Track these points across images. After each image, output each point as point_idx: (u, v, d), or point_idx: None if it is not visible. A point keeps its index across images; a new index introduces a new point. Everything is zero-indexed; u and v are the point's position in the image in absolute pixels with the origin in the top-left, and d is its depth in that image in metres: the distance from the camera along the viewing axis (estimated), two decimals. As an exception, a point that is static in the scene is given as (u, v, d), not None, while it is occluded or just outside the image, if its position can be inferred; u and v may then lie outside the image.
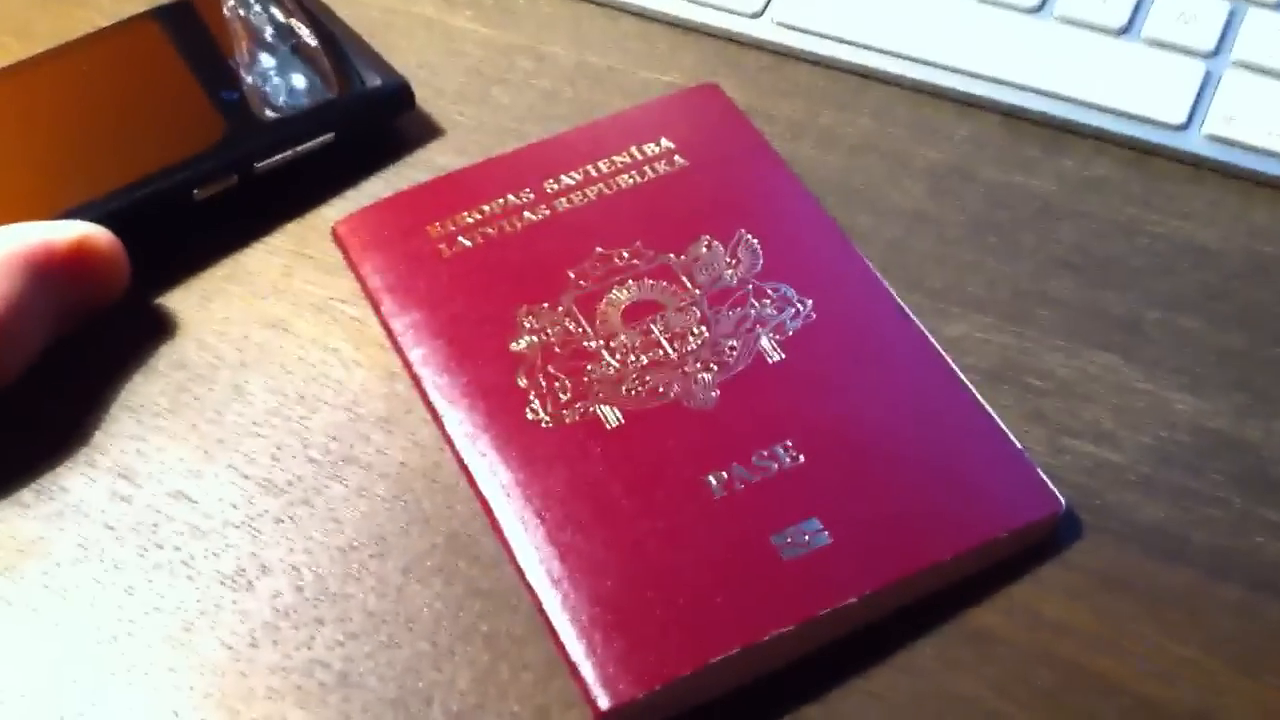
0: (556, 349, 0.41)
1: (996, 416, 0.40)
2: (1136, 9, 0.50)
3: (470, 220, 0.44)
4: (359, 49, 0.49)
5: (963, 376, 0.41)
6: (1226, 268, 0.45)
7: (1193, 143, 0.47)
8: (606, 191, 0.45)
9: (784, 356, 0.40)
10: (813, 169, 0.47)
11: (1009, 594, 0.38)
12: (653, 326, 0.41)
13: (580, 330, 0.41)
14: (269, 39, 0.49)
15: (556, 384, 0.40)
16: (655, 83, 0.50)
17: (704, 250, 0.43)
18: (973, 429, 0.39)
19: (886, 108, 0.49)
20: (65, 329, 0.42)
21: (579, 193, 0.45)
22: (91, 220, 0.42)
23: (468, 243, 0.43)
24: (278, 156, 0.46)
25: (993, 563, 0.38)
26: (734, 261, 0.43)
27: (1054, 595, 0.37)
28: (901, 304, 0.42)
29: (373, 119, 0.48)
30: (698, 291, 0.42)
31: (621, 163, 0.45)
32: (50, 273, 0.40)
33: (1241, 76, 0.48)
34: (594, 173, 0.45)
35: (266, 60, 0.48)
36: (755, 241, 0.43)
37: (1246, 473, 0.40)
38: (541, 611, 0.36)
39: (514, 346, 0.41)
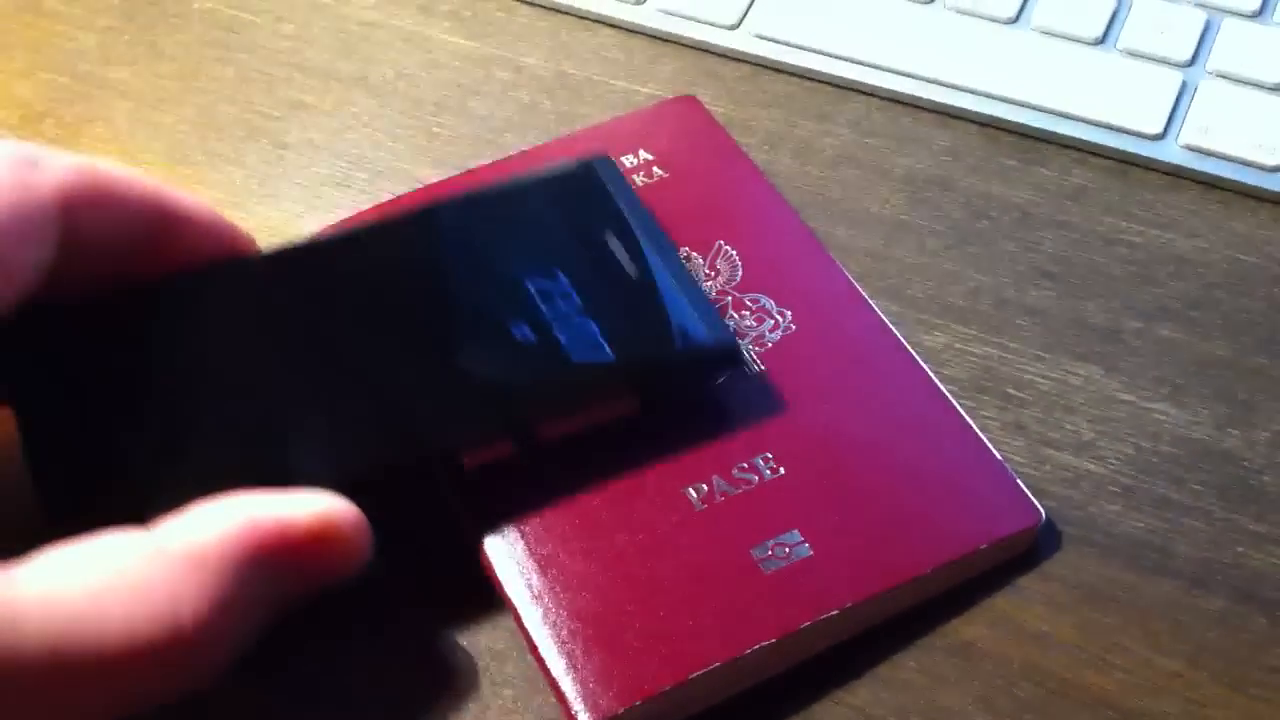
0: (536, 362, 0.40)
1: (976, 428, 0.40)
2: (1113, 20, 0.50)
3: (448, 233, 0.43)
4: (689, 295, 0.39)
5: (943, 387, 0.40)
6: (1206, 277, 0.45)
7: (1170, 152, 0.47)
8: (586, 203, 0.44)
9: (764, 368, 0.40)
10: (791, 179, 0.47)
11: (992, 606, 0.37)
12: (633, 339, 0.41)
13: (560, 343, 0.41)
14: (585, 268, 0.39)
15: (536, 397, 0.39)
16: (634, 94, 0.50)
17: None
18: (953, 440, 0.39)
19: (864, 118, 0.49)
20: (281, 614, 0.33)
21: (558, 204, 0.44)
22: (334, 482, 0.34)
23: (446, 255, 0.43)
24: (569, 423, 0.38)
25: (974, 574, 0.38)
26: (713, 273, 0.42)
27: (1037, 607, 0.37)
28: (881, 315, 0.42)
29: (688, 385, 0.40)
30: (678, 303, 0.42)
31: None
32: (278, 562, 0.32)
33: (1217, 86, 0.49)
34: None
35: (576, 295, 0.38)
36: (734, 253, 0.43)
37: (1228, 483, 0.40)
38: (521, 626, 0.35)
39: (494, 359, 0.40)
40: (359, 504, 0.33)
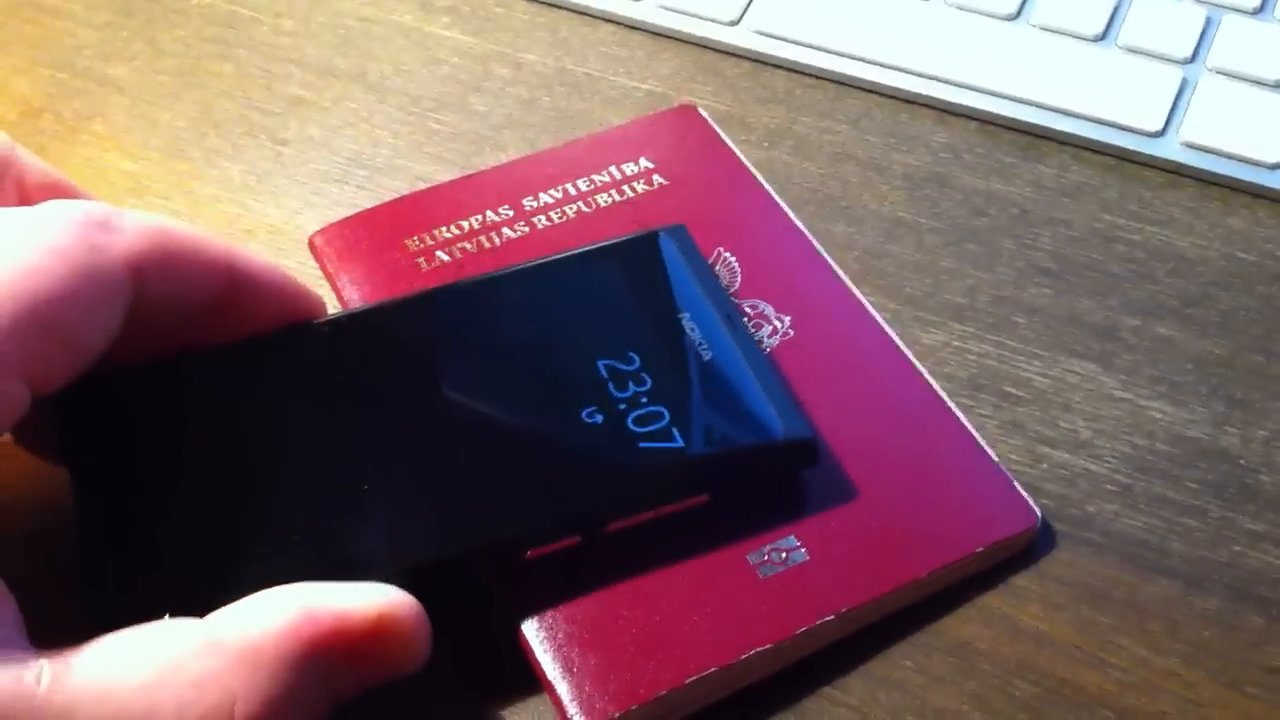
0: (535, 366, 0.40)
1: (972, 428, 0.40)
2: (1113, 16, 0.50)
3: (449, 235, 0.44)
4: (765, 382, 0.37)
5: (939, 389, 0.41)
6: (1204, 275, 0.45)
7: (1169, 149, 0.47)
8: (586, 210, 0.44)
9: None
10: (790, 176, 0.47)
11: (988, 606, 0.37)
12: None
13: (560, 348, 0.41)
14: (658, 349, 0.38)
15: (535, 401, 0.39)
16: (634, 90, 0.50)
17: (683, 267, 0.43)
18: (949, 443, 0.39)
19: (864, 115, 0.49)
20: (335, 707, 0.32)
21: (558, 210, 0.44)
22: (395, 574, 0.32)
23: (446, 257, 0.43)
24: (637, 517, 0.36)
25: (970, 575, 0.38)
26: (712, 279, 0.42)
27: (1033, 607, 0.37)
28: (878, 318, 0.42)
29: (761, 479, 0.38)
30: (677, 309, 0.42)
31: (601, 181, 0.45)
32: (335, 658, 0.31)
33: (1217, 83, 0.48)
34: (573, 191, 0.45)
35: (649, 378, 0.37)
36: (733, 259, 0.43)
37: (1225, 481, 0.40)
38: (517, 630, 0.36)
39: (493, 363, 0.40)
40: (415, 592, 0.32)
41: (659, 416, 0.36)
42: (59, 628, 0.30)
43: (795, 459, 0.37)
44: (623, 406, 0.36)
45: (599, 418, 0.36)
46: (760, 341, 0.41)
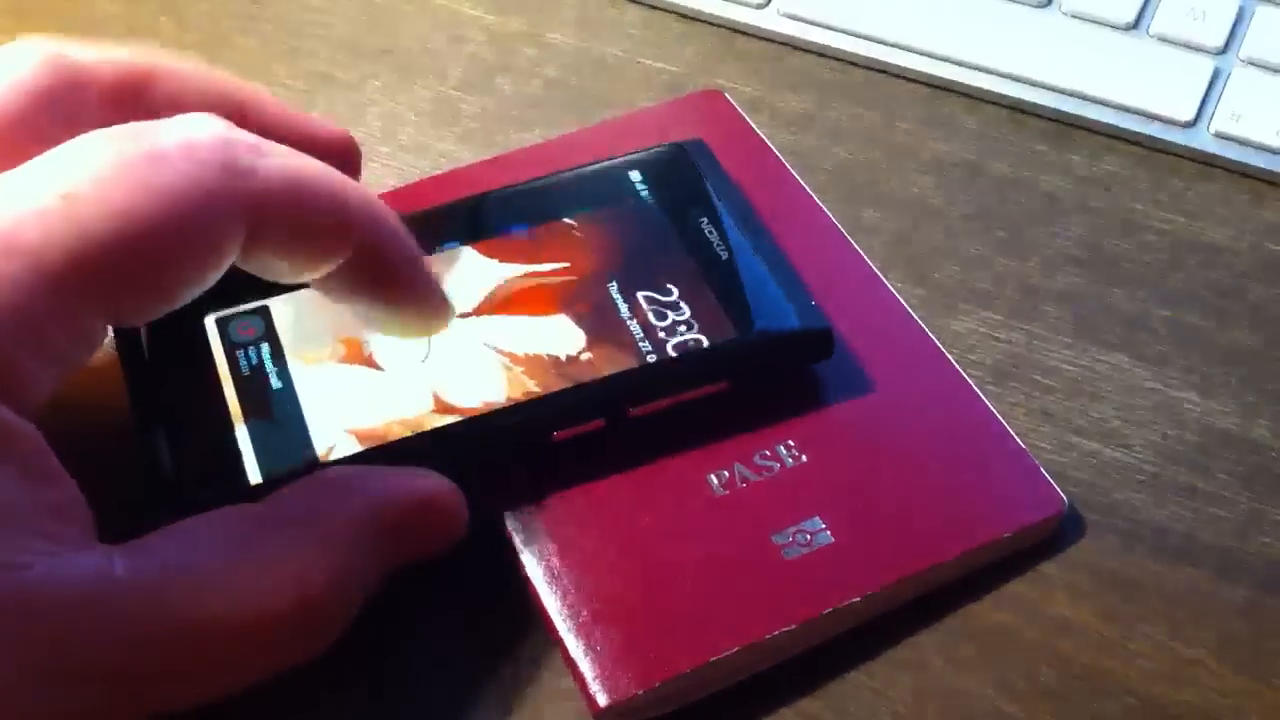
0: (559, 342, 0.40)
1: (1000, 415, 0.39)
2: (1145, 4, 0.50)
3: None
4: (781, 277, 0.39)
5: (965, 374, 0.40)
6: (1235, 266, 0.44)
7: (1201, 140, 0.47)
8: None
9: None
10: (818, 161, 0.47)
11: (1015, 592, 0.37)
12: (657, 326, 0.41)
13: (584, 326, 0.41)
14: (674, 250, 0.40)
15: (559, 377, 0.39)
16: (661, 72, 0.50)
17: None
18: (976, 427, 0.39)
19: (892, 101, 0.49)
20: (379, 587, 0.34)
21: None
22: (428, 455, 0.35)
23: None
24: (658, 402, 0.38)
25: (996, 561, 0.37)
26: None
27: (1060, 594, 0.37)
28: (904, 302, 0.42)
29: (779, 368, 0.39)
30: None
31: None
32: (390, 534, 0.33)
33: (1250, 74, 0.48)
34: None
35: (666, 277, 0.39)
36: None
37: (1255, 472, 0.39)
38: (540, 607, 0.35)
39: (516, 339, 0.40)
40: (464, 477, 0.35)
41: (681, 313, 0.38)
42: (124, 532, 0.30)
43: (811, 350, 0.39)
44: (646, 304, 0.38)
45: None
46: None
